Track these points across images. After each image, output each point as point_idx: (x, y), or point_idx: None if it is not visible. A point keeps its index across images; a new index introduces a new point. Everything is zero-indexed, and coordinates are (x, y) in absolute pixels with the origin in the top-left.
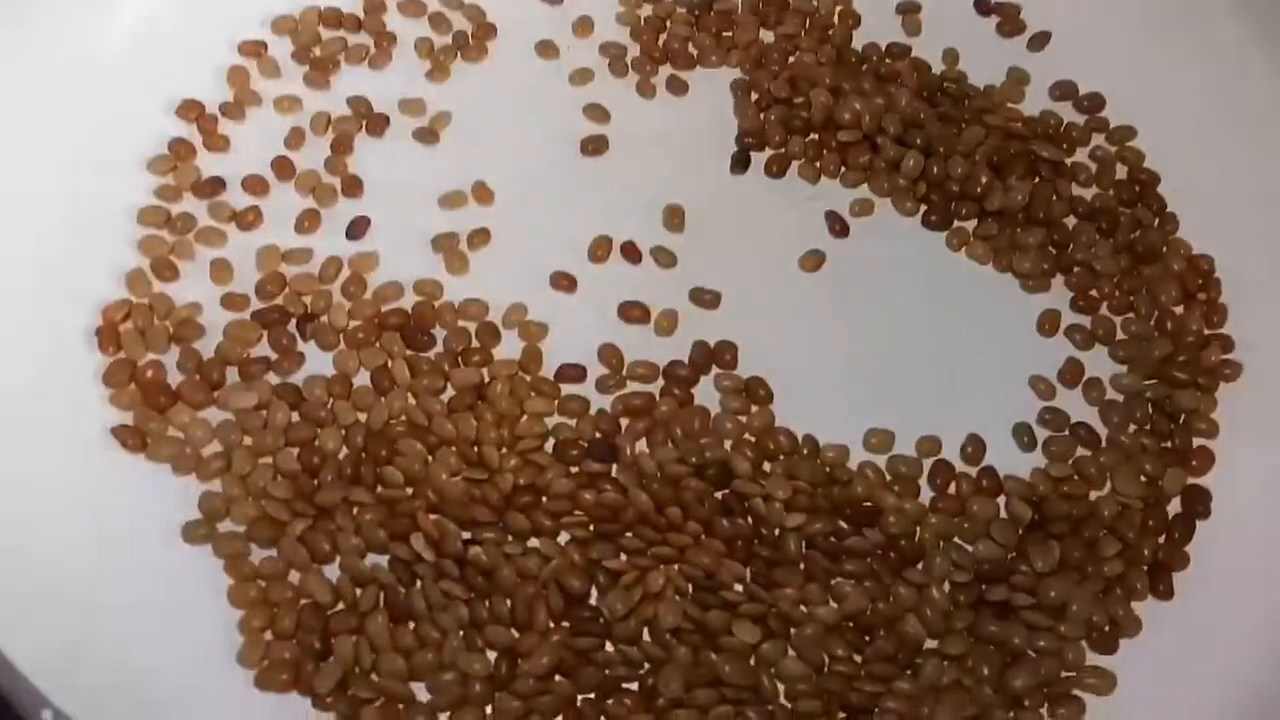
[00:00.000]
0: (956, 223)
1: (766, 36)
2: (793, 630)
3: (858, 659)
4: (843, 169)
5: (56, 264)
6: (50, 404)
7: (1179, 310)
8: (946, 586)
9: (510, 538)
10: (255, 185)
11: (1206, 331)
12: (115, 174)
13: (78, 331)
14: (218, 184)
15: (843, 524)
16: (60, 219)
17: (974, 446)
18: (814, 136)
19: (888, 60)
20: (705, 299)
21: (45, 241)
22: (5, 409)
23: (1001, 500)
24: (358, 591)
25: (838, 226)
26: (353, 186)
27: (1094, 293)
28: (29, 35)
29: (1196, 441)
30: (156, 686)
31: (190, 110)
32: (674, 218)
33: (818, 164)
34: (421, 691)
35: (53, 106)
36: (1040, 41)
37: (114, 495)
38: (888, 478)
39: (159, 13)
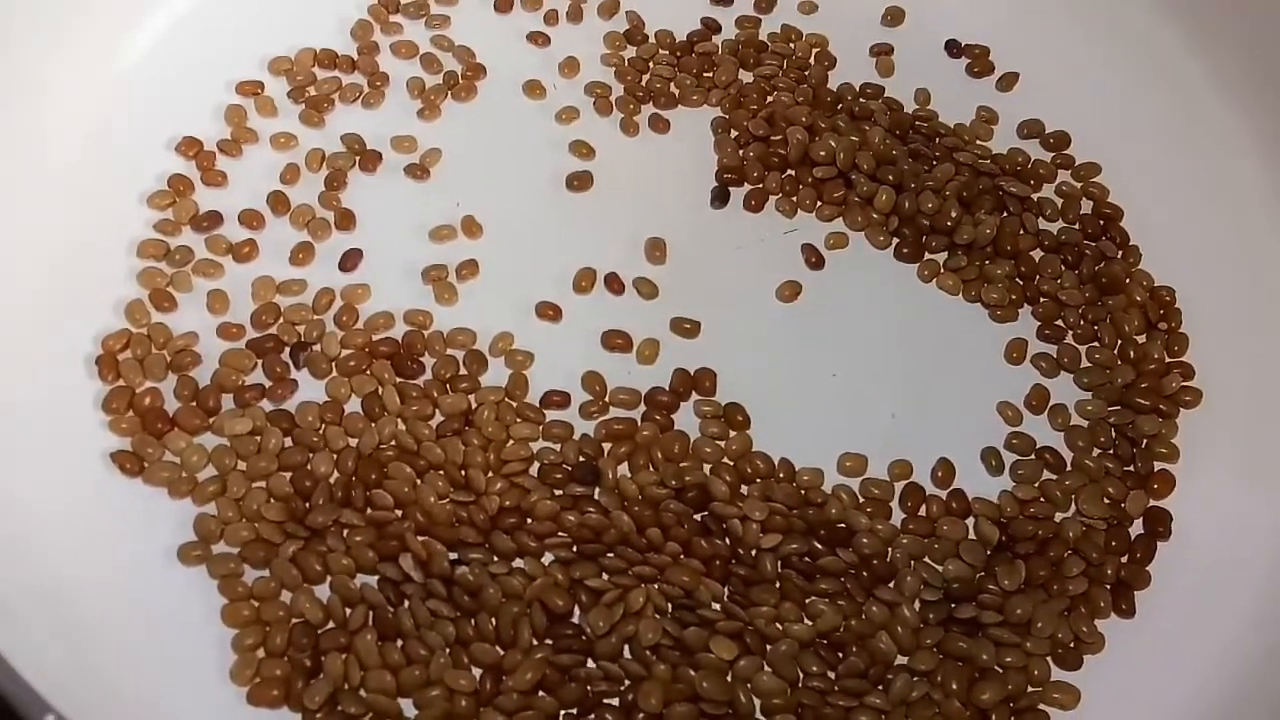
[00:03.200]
0: (927, 255)
1: (745, 77)
2: (768, 647)
3: (831, 675)
4: (818, 204)
5: (59, 295)
6: (53, 429)
7: (1141, 339)
8: (917, 605)
9: (496, 558)
10: (251, 219)
11: (1168, 360)
12: (116, 208)
13: (79, 360)
14: (215, 218)
15: (817, 544)
16: (63, 251)
17: (944, 470)
18: (791, 172)
19: (862, 100)
20: (686, 328)
21: (49, 273)
22: (9, 433)
23: (970, 522)
24: (347, 610)
25: (814, 259)
26: (346, 220)
27: (1060, 322)
28: (36, 76)
29: (1158, 465)
30: (152, 701)
31: (189, 147)
32: (656, 250)
33: (794, 199)
34: (409, 707)
35: (57, 143)
36: (1008, 82)
37: (113, 517)
38: (860, 500)
39: (160, 54)
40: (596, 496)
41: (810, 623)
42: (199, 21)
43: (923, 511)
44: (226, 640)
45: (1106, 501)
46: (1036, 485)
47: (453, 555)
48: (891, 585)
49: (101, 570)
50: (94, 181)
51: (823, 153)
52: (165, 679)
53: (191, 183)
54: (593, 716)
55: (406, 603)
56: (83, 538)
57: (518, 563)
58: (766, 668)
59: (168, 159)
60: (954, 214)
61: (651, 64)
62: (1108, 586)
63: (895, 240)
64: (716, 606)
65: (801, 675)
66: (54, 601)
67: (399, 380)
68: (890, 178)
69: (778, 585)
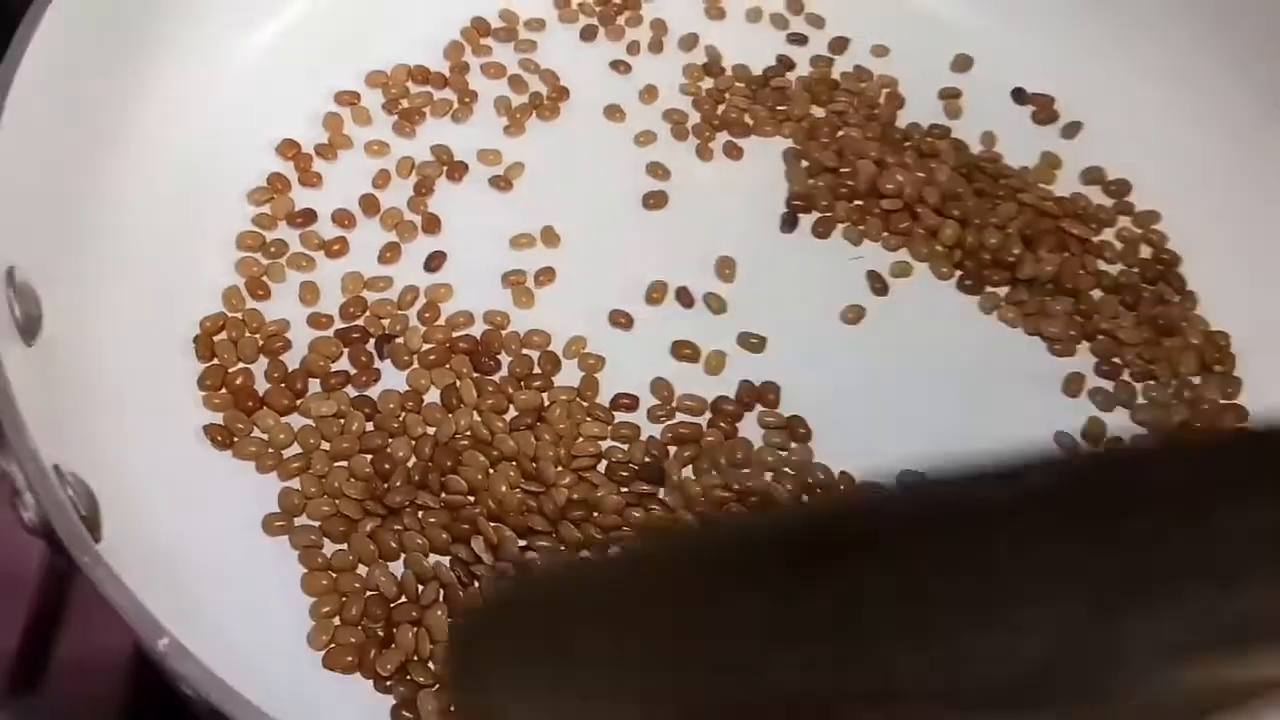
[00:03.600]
0: (989, 288)
1: (818, 112)
2: None
3: None
4: (884, 233)
5: (164, 279)
6: (153, 402)
7: (1197, 380)
8: None
9: (563, 546)
10: (343, 218)
11: (1222, 401)
12: (220, 202)
13: (179, 340)
14: (309, 215)
15: None
16: (170, 239)
17: None
18: (859, 202)
19: (929, 139)
20: (752, 343)
21: (156, 259)
22: (114, 405)
23: None
24: (420, 587)
25: (878, 285)
26: (432, 224)
27: (1117, 359)
28: (154, 78)
29: None
30: (239, 656)
31: (288, 149)
32: (726, 268)
33: (861, 227)
34: None
35: (171, 141)
36: (1072, 130)
37: (204, 485)
38: None
39: (267, 63)
40: (660, 495)
41: None
42: (302, 37)
43: None
44: (305, 607)
45: None
46: None
47: (522, 541)
48: None
49: (193, 533)
50: (202, 177)
51: (890, 186)
52: (248, 635)
53: (289, 182)
54: None
55: (476, 583)
56: (178, 500)
57: (583, 552)
58: None
59: (269, 159)
60: (1016, 250)
61: (728, 95)
62: None
63: (958, 272)
64: None
65: None
66: (155, 549)
67: (476, 375)
68: (955, 213)
69: None
